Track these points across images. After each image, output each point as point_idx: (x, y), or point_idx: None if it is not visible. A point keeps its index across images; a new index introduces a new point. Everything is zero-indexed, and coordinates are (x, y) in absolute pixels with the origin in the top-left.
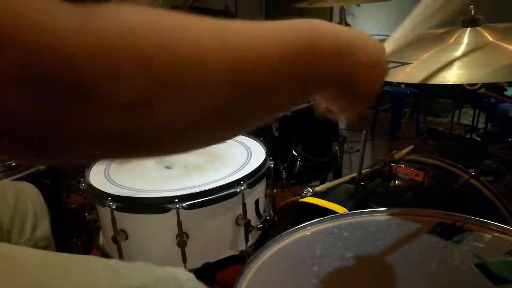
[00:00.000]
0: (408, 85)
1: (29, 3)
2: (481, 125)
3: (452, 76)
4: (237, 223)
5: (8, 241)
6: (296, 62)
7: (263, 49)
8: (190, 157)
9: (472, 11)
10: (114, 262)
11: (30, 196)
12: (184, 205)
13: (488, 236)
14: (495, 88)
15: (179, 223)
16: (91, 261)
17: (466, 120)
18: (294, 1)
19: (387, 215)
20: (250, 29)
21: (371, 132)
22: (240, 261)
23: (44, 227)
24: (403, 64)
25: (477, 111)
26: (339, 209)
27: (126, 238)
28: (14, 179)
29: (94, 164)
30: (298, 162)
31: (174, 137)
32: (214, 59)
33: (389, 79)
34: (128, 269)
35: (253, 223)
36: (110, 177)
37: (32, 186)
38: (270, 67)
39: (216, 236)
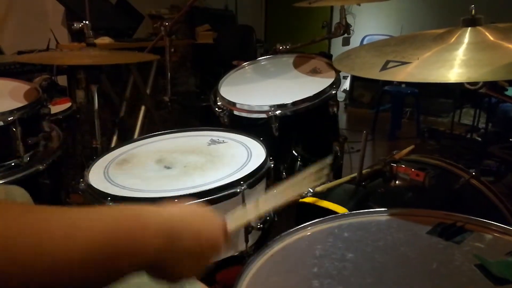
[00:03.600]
0: (408, 84)
1: None
2: (481, 125)
3: (453, 75)
4: None
5: None
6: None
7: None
8: (190, 157)
9: (473, 11)
10: None
11: (20, 199)
12: None
13: (488, 236)
14: (496, 88)
15: None
16: None
17: (467, 120)
18: (294, 1)
19: (387, 215)
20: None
21: (372, 132)
22: (240, 261)
23: None
24: (403, 63)
25: (477, 111)
26: (339, 209)
27: None
28: (14, 179)
29: (93, 164)
30: (298, 162)
31: None
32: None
33: (389, 78)
34: None
35: (253, 223)
36: (110, 177)
37: (22, 189)
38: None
39: None
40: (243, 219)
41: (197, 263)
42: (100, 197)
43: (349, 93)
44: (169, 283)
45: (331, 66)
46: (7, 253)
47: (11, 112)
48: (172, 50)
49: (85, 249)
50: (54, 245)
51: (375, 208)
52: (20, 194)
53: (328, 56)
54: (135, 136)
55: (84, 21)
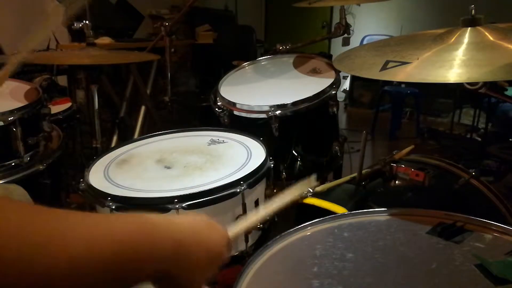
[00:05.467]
0: (408, 85)
1: None
2: (481, 125)
3: (453, 75)
4: None
5: None
6: (115, 263)
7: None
8: (190, 157)
9: (473, 11)
10: None
11: (19, 197)
12: (184, 205)
13: (488, 236)
14: (496, 88)
15: None
16: None
17: (467, 120)
18: (294, 1)
19: (387, 215)
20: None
21: (372, 132)
22: (240, 261)
23: None
24: (403, 63)
25: (477, 111)
26: (339, 209)
27: None
28: (14, 179)
29: (93, 164)
30: (298, 162)
31: None
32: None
33: (389, 78)
34: None
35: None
36: (110, 177)
37: (21, 188)
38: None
39: None
40: (242, 227)
41: (202, 275)
42: (100, 197)
43: (349, 93)
44: None
45: (331, 66)
46: (20, 262)
47: (11, 112)
48: (172, 50)
49: (99, 257)
50: (68, 253)
51: (375, 208)
52: (19, 193)
53: (328, 56)
54: (135, 136)
55: (84, 21)
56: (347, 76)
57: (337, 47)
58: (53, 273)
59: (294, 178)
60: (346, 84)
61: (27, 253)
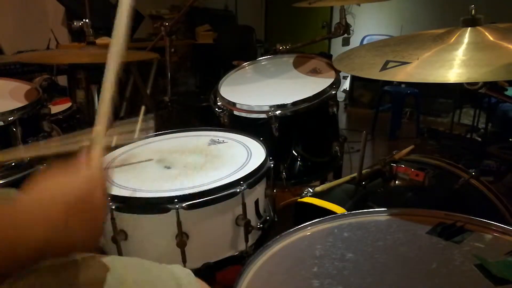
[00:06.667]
0: (408, 84)
1: None
2: (481, 125)
3: (453, 75)
4: (237, 223)
5: None
6: None
7: None
8: (190, 157)
9: (473, 11)
10: (109, 258)
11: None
12: (183, 205)
13: (488, 236)
14: (496, 88)
15: (179, 223)
16: (85, 258)
17: (467, 120)
18: (294, 1)
19: (387, 215)
20: None
21: (372, 132)
22: (240, 261)
23: None
24: (403, 63)
25: (477, 111)
26: (337, 209)
27: (126, 238)
28: (14, 179)
29: None
30: (298, 162)
31: None
32: None
33: (389, 78)
34: (123, 265)
35: (253, 223)
36: (110, 177)
37: (15, 190)
38: None
39: (216, 236)
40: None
41: (86, 229)
42: None
43: (349, 93)
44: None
45: (331, 66)
46: None
47: (11, 112)
48: (172, 50)
49: None
50: None
51: (375, 208)
52: (15, 194)
53: (328, 56)
54: (135, 136)
55: (84, 20)
56: (347, 76)
57: (337, 47)
58: None
59: (294, 178)
60: (346, 84)
61: None
